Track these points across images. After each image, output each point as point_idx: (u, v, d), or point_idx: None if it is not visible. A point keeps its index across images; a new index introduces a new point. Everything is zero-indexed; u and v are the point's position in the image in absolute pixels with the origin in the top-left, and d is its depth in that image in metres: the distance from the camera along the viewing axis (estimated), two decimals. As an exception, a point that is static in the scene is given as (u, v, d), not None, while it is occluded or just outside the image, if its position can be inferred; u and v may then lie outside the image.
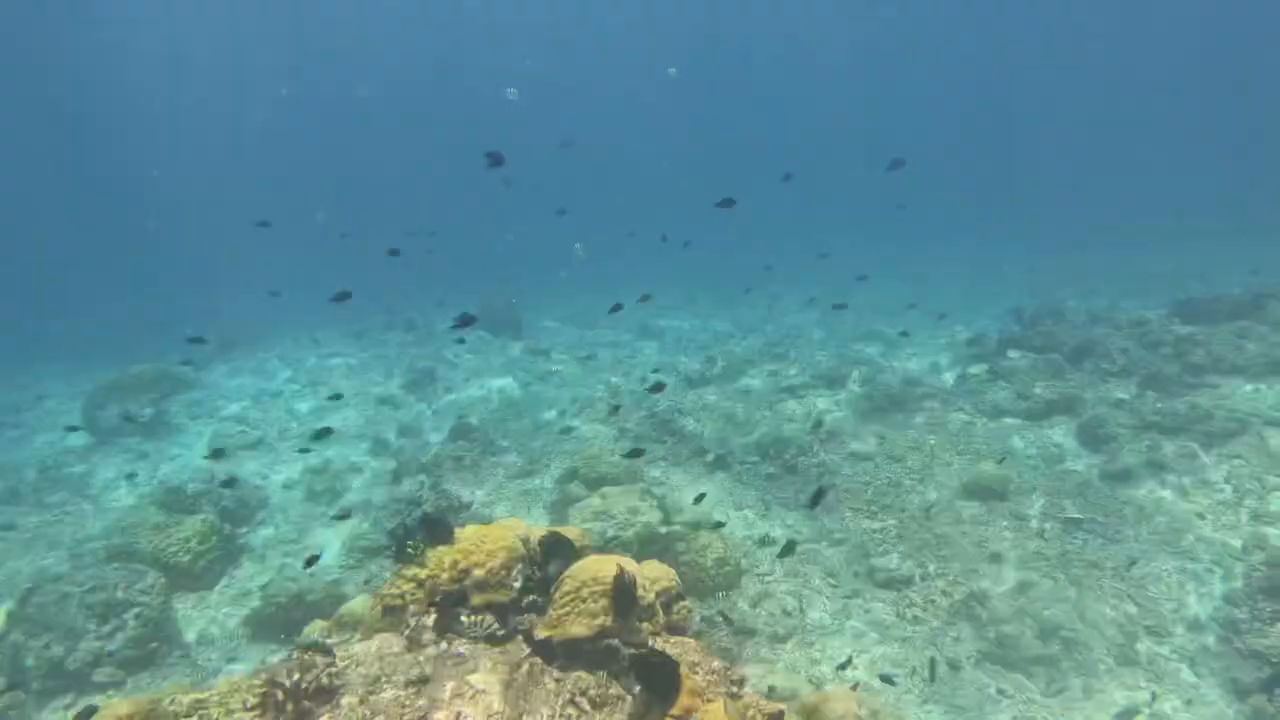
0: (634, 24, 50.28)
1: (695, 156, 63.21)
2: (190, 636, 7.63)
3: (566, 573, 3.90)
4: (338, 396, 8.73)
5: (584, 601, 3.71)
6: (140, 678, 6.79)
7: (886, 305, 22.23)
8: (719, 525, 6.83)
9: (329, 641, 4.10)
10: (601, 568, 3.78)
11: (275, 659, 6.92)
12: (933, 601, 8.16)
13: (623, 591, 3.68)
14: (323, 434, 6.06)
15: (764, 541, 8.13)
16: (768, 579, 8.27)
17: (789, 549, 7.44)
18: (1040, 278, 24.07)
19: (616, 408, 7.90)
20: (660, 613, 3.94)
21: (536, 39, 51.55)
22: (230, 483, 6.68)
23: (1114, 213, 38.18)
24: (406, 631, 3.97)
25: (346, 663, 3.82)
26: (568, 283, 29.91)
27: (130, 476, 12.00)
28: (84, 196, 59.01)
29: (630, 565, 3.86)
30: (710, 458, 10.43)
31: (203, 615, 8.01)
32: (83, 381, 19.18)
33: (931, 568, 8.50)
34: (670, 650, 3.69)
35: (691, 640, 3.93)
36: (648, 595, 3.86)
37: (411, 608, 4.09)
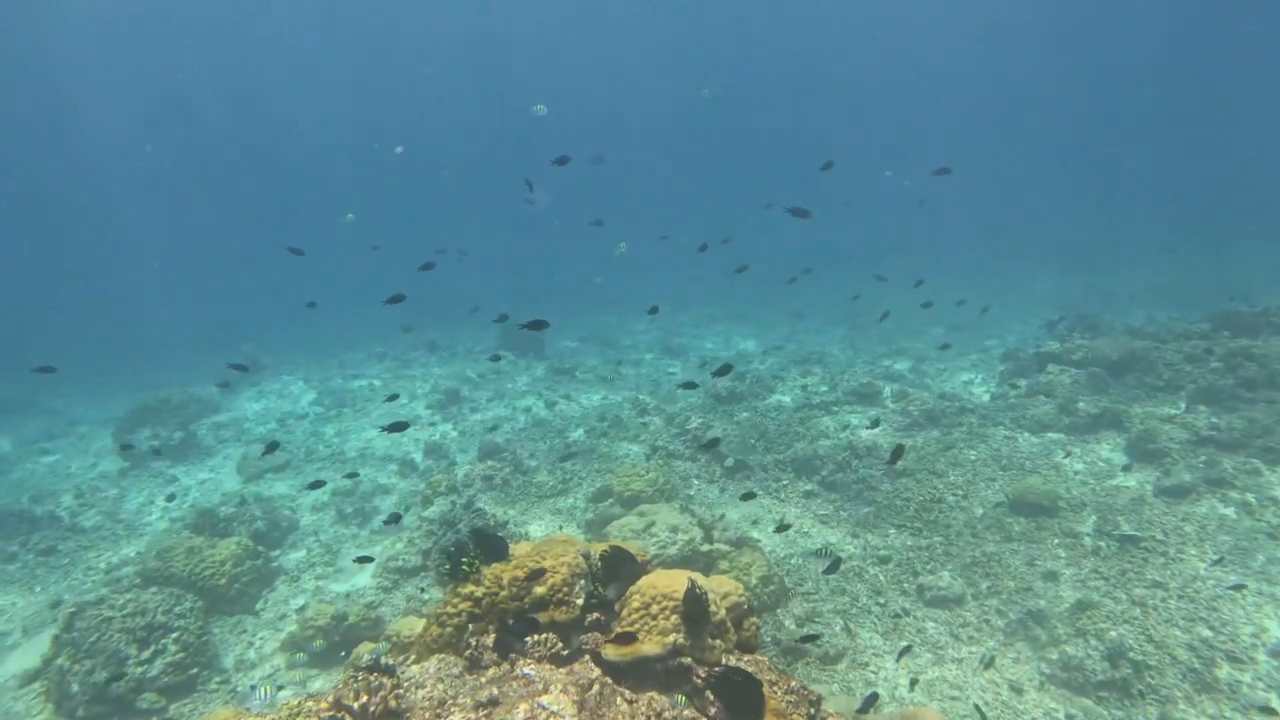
0: (675, 36, 50.68)
1: (736, 165, 63.92)
2: (229, 661, 7.51)
3: (633, 588, 3.75)
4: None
5: (654, 618, 3.56)
6: (182, 704, 6.66)
7: (910, 321, 21.98)
8: (784, 528, 6.56)
9: (391, 663, 3.96)
10: (671, 582, 3.63)
11: (316, 684, 6.78)
12: (987, 621, 7.82)
13: (695, 606, 3.52)
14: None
15: (819, 554, 7.84)
16: (813, 597, 7.99)
17: (834, 566, 7.19)
18: (1067, 290, 23.74)
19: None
20: (731, 629, 3.76)
21: (575, 56, 52.50)
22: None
23: (1137, 225, 37.85)
24: (467, 652, 3.83)
25: (407, 685, 3.68)
26: (590, 300, 30.15)
27: (170, 498, 12.08)
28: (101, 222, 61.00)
29: (699, 579, 3.70)
30: (730, 462, 10.22)
31: (239, 640, 7.89)
32: (113, 405, 19.51)
33: (984, 586, 8.17)
34: (744, 669, 3.51)
35: (764, 658, 3.75)
36: (718, 611, 3.69)
37: (471, 627, 3.96)
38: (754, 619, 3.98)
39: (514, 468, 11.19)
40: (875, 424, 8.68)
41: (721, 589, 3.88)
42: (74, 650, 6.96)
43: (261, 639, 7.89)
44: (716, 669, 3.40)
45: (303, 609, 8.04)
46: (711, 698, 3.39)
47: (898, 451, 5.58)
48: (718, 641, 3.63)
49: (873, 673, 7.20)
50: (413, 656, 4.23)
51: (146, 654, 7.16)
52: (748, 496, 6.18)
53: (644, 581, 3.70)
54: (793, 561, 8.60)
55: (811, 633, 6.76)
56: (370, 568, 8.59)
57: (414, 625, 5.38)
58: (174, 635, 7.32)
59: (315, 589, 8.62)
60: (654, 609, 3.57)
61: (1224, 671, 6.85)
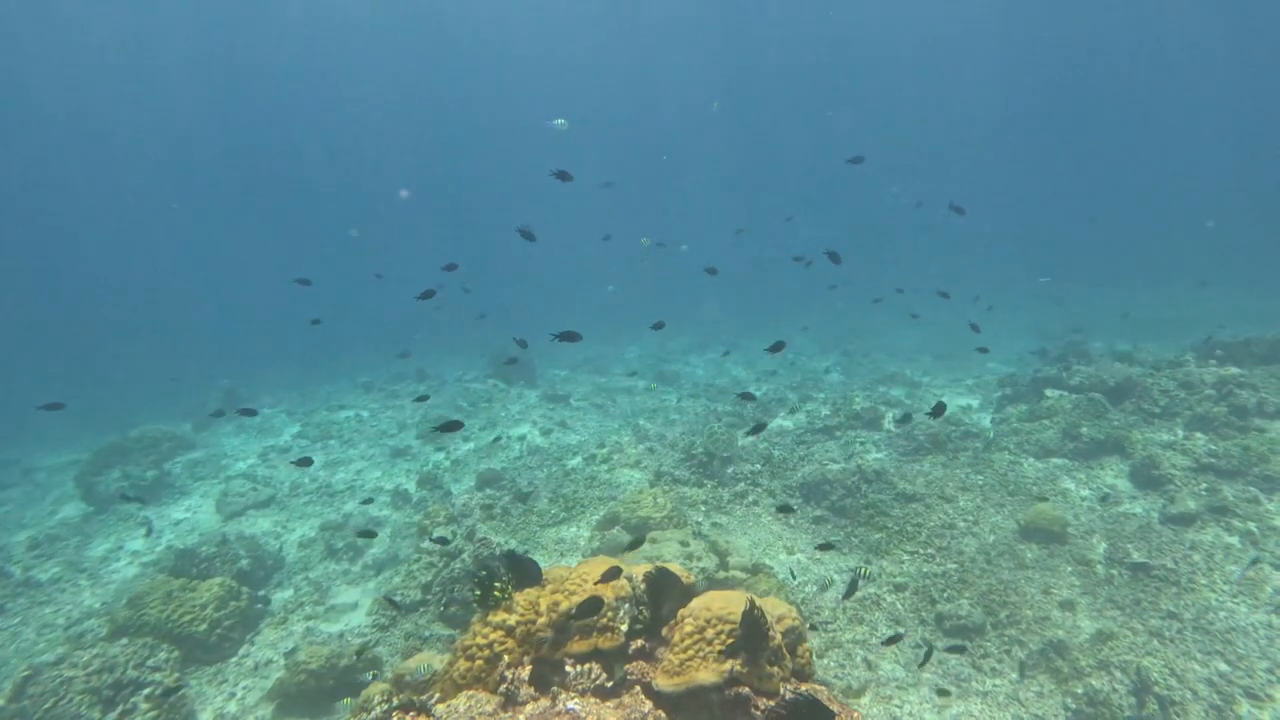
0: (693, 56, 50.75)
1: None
2: (206, 717, 6.90)
3: (684, 610, 3.52)
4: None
5: (709, 643, 3.33)
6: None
7: (898, 348, 22.32)
8: (828, 547, 6.32)
9: (424, 699, 3.63)
10: (726, 604, 3.41)
11: (307, 733, 6.24)
12: (1008, 652, 7.62)
13: (754, 630, 3.31)
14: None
15: (856, 575, 7.61)
16: (831, 627, 7.72)
17: (851, 589, 6.96)
18: (1045, 319, 24.39)
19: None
20: (786, 656, 3.54)
21: (586, 73, 52.74)
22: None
23: (1098, 257, 39.53)
24: (502, 687, 3.53)
25: (438, 724, 3.36)
26: (588, 321, 30.14)
27: (148, 533, 11.31)
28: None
29: (756, 600, 3.49)
30: (747, 495, 10.02)
31: (219, 691, 7.28)
32: (73, 449, 18.53)
33: (1002, 615, 7.99)
34: (816, 699, 3.27)
35: (823, 688, 3.52)
36: (775, 635, 3.47)
37: (506, 658, 3.66)
38: (807, 644, 3.76)
39: (513, 496, 10.80)
40: (907, 418, 8.59)
41: (775, 611, 3.67)
42: (23, 725, 6.29)
43: (245, 689, 7.29)
44: (781, 700, 3.17)
45: (292, 652, 7.48)
46: (774, 731, 3.14)
47: (938, 408, 5.55)
48: (775, 669, 3.40)
49: (897, 706, 6.92)
50: (436, 695, 3.90)
51: (112, 716, 6.52)
52: (784, 509, 5.97)
53: (696, 603, 3.48)
54: (807, 589, 8.35)
55: (895, 634, 6.55)
56: (365, 605, 8.08)
57: (427, 662, 5.00)
58: (146, 691, 6.70)
59: (305, 630, 8.06)
60: (709, 633, 3.34)
61: (1244, 709, 6.72)
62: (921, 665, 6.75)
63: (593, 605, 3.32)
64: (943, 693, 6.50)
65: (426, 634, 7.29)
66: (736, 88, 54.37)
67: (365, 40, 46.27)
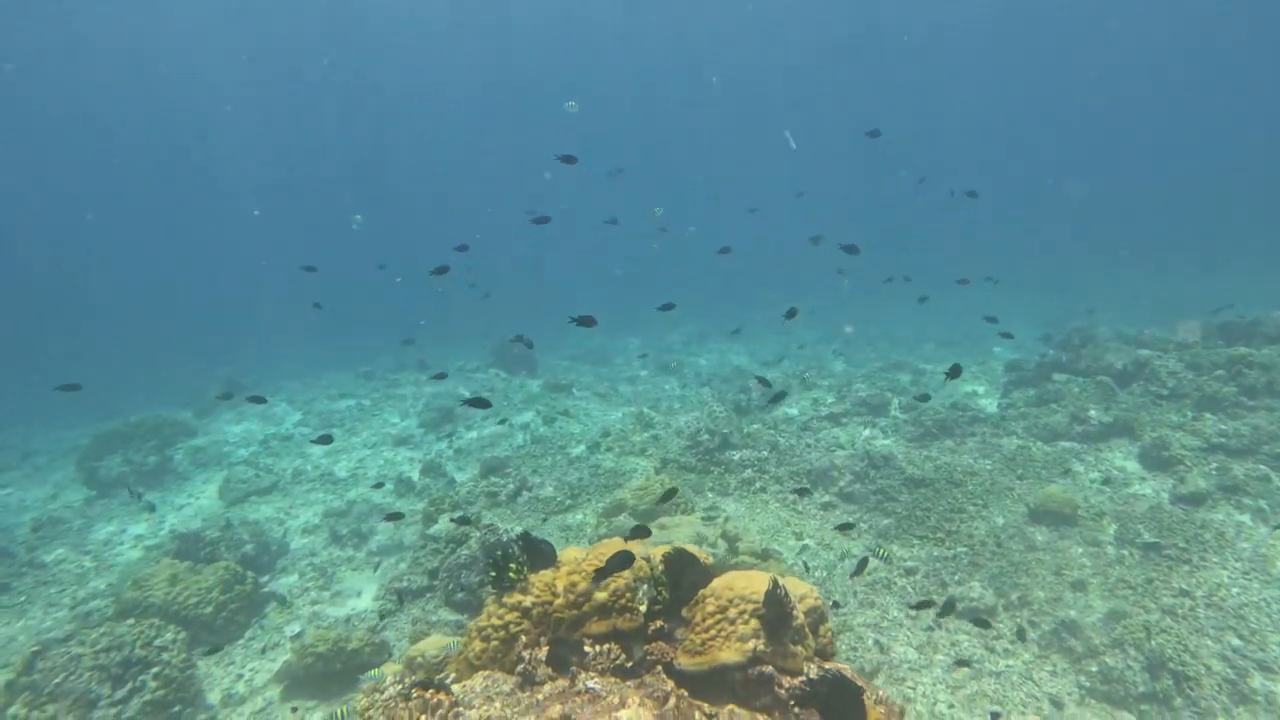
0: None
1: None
2: (214, 697, 6.86)
3: (705, 591, 3.43)
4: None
5: (732, 623, 3.24)
6: (166, 744, 6.01)
7: (904, 335, 22.20)
8: (847, 527, 6.24)
9: (442, 679, 3.55)
10: (749, 583, 3.33)
11: (315, 716, 6.19)
12: (1022, 632, 7.59)
13: (777, 609, 3.22)
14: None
15: (878, 557, 7.56)
16: (842, 611, 7.67)
17: (861, 566, 6.90)
18: (1046, 306, 24.26)
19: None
20: (809, 635, 3.46)
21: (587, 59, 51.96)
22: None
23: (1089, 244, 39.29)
24: (519, 667, 3.45)
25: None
26: (588, 310, 29.99)
27: (151, 510, 11.25)
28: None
29: (780, 580, 3.40)
30: (755, 482, 9.95)
31: (227, 672, 7.24)
32: (73, 435, 18.44)
33: (1014, 596, 7.95)
34: (843, 675, 3.19)
35: (847, 666, 3.44)
36: (798, 615, 3.39)
37: (523, 639, 3.58)
38: (828, 624, 3.68)
39: (518, 484, 10.73)
40: (925, 397, 8.52)
41: (796, 591, 3.58)
42: (33, 695, 6.27)
43: (252, 670, 7.25)
44: (806, 678, 3.09)
45: (299, 635, 7.44)
46: (799, 711, 3.07)
47: (954, 370, 5.52)
48: (799, 648, 3.32)
49: (910, 688, 6.89)
50: (451, 675, 3.82)
51: (122, 693, 6.51)
52: (801, 492, 5.88)
53: (718, 583, 3.39)
54: (817, 574, 8.30)
55: (926, 600, 6.56)
56: (370, 590, 8.03)
57: (439, 644, 4.94)
58: (154, 670, 6.68)
59: (311, 614, 8.01)
60: (731, 612, 3.25)
61: (1257, 682, 6.70)
62: (941, 615, 6.70)
63: (624, 559, 3.23)
64: (960, 664, 6.47)
65: (434, 619, 7.23)
66: (739, 79, 53.78)
67: (369, 34, 45.67)
